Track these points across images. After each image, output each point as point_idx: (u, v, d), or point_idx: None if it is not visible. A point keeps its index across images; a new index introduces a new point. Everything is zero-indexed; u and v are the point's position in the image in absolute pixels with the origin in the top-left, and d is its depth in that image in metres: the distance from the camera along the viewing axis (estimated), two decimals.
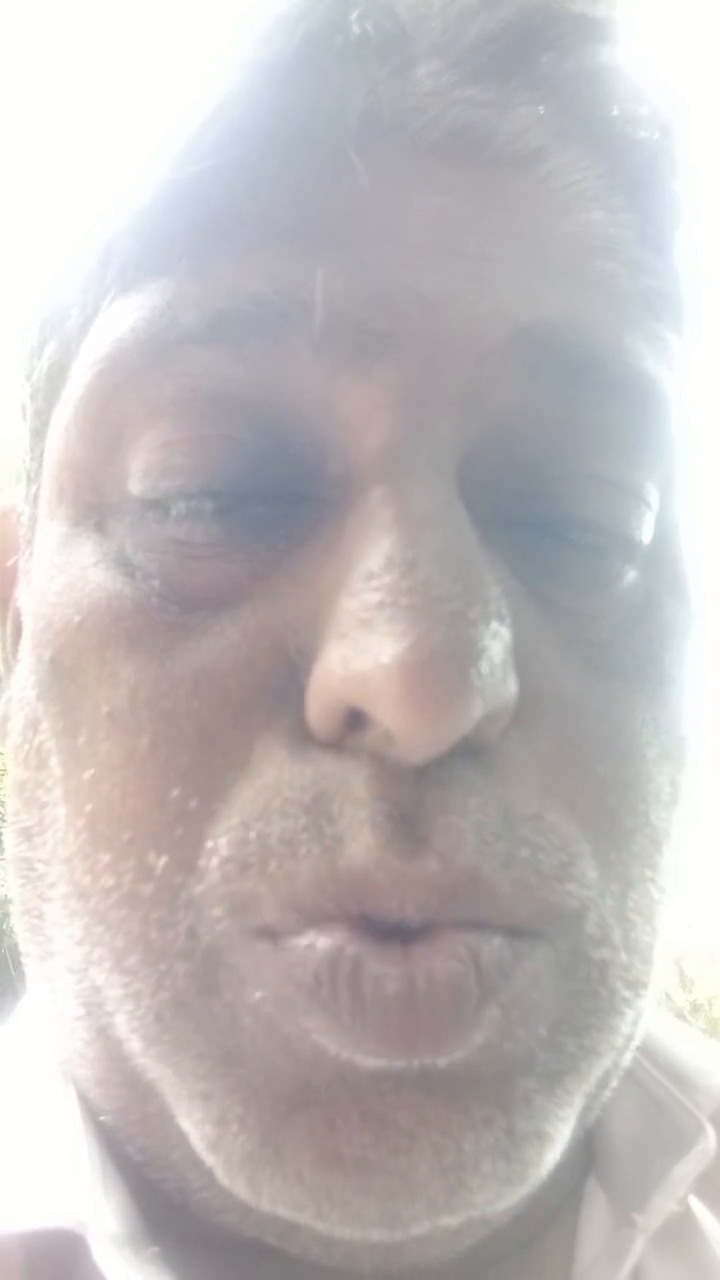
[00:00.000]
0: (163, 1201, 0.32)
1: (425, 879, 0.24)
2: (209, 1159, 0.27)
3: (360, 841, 0.24)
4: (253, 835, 0.25)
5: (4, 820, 0.34)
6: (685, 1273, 0.35)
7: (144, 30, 0.35)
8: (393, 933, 0.25)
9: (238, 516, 0.28)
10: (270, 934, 0.26)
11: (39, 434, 0.34)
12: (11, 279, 0.37)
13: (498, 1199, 0.26)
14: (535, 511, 0.29)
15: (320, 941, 0.25)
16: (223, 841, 0.26)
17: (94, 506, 0.31)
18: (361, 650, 0.24)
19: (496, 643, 0.24)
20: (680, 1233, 0.36)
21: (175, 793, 0.27)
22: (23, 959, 0.34)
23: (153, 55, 0.33)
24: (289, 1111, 0.25)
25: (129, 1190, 0.31)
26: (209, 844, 0.26)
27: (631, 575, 0.31)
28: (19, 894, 0.33)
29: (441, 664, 0.23)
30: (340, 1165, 0.25)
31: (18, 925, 0.34)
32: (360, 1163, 0.25)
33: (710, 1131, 0.35)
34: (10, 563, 0.38)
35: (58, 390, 0.32)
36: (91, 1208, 0.30)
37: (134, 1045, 0.28)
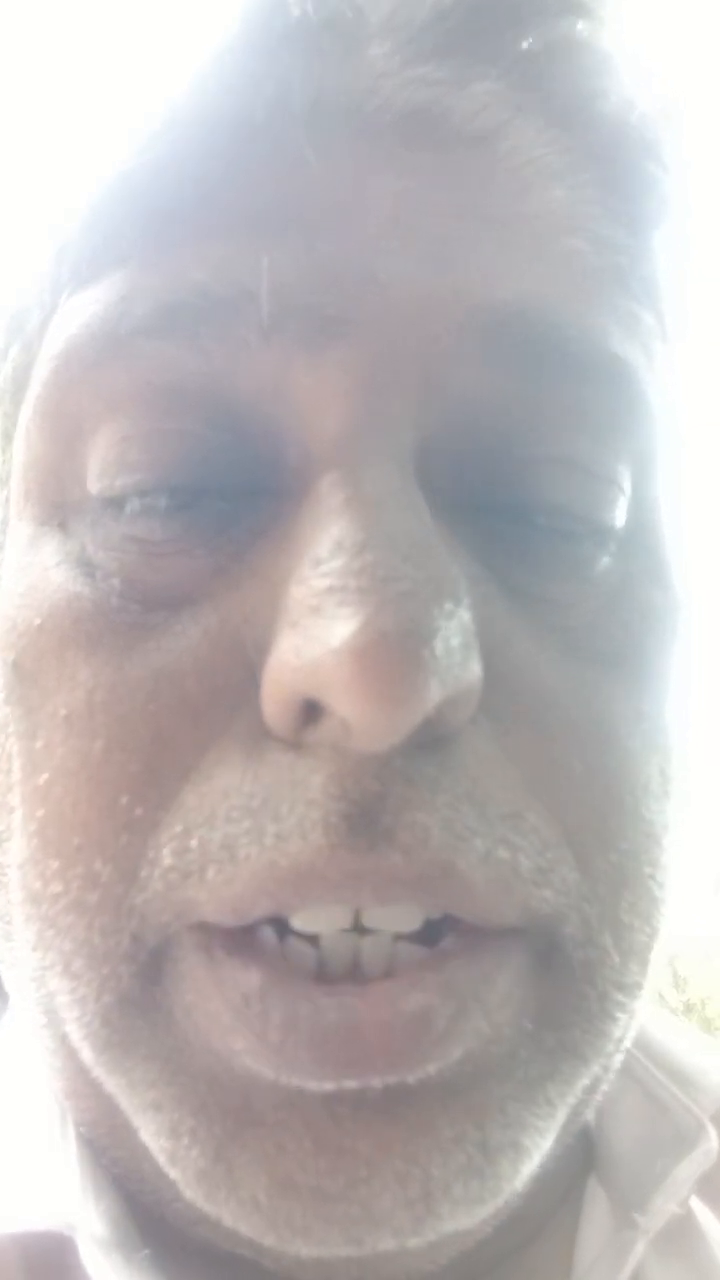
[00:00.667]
0: (144, 1210, 0.31)
1: (386, 870, 0.24)
2: (170, 1172, 0.26)
3: (309, 840, 0.23)
4: (194, 843, 0.25)
5: None
6: (686, 1275, 0.35)
7: (87, 25, 0.34)
8: (349, 975, 0.25)
9: (197, 512, 0.28)
10: (207, 945, 0.25)
11: (8, 436, 0.33)
12: None
13: (470, 1217, 0.25)
14: (503, 497, 0.29)
15: (255, 969, 0.25)
16: (165, 851, 0.25)
17: (57, 506, 0.30)
18: (311, 638, 0.23)
19: (452, 622, 0.23)
20: (681, 1234, 0.35)
21: (124, 800, 0.26)
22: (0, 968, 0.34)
23: (97, 49, 0.33)
24: (237, 1128, 0.25)
25: (117, 1195, 0.31)
26: (150, 854, 0.26)
27: (605, 560, 0.30)
28: None
29: (392, 644, 0.22)
30: (296, 1193, 0.24)
31: None
32: (316, 1191, 0.24)
33: (712, 1132, 0.35)
34: None
35: (23, 391, 0.32)
36: (79, 1210, 0.30)
37: (86, 1055, 0.28)
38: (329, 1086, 0.24)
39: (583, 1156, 0.36)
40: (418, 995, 0.24)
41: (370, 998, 0.24)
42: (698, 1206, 0.37)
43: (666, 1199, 0.34)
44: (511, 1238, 0.33)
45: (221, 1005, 0.25)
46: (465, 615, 0.24)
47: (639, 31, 0.32)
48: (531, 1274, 0.34)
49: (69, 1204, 0.30)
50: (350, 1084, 0.24)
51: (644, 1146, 0.36)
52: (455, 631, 0.23)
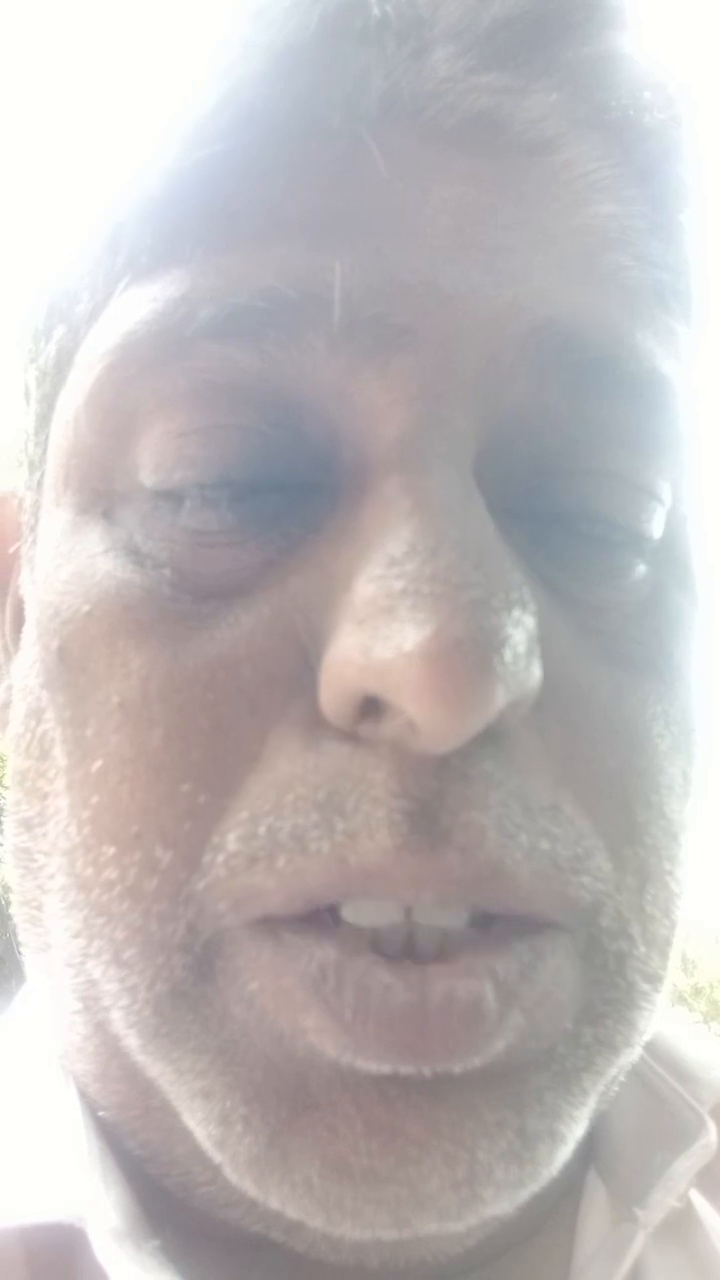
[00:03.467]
0: (164, 1196, 0.32)
1: (444, 872, 0.24)
2: (216, 1156, 0.27)
3: (375, 840, 0.24)
4: (262, 830, 0.25)
5: (3, 809, 0.34)
6: (686, 1267, 0.35)
7: (158, 10, 0.34)
8: (404, 954, 0.25)
9: (252, 505, 0.28)
10: (273, 928, 0.26)
11: (44, 419, 0.33)
12: (15, 262, 0.36)
13: (510, 1203, 0.26)
14: (547, 504, 0.29)
15: (329, 944, 0.25)
16: (231, 837, 0.26)
17: (102, 494, 0.30)
18: (382, 638, 0.24)
19: (520, 630, 0.24)
20: (681, 1227, 0.36)
21: (186, 787, 0.26)
22: (21, 950, 0.34)
23: (165, 36, 0.32)
24: (292, 1115, 0.25)
25: (129, 1184, 0.31)
26: (215, 839, 0.26)
27: (641, 569, 0.31)
28: (18, 885, 0.33)
29: (465, 652, 0.23)
30: (349, 1175, 0.25)
31: (17, 916, 0.33)
32: (368, 1173, 0.25)
33: (712, 1126, 0.35)
34: (11, 549, 0.37)
35: (64, 375, 0.32)
36: (91, 1201, 0.30)
37: (131, 1041, 0.28)
38: (387, 1069, 0.25)
39: (583, 1150, 0.36)
40: (470, 983, 0.25)
41: (430, 981, 0.25)
42: (697, 1200, 0.37)
43: (666, 1193, 0.34)
44: (514, 1229, 0.33)
45: (294, 981, 0.25)
46: (531, 621, 0.24)
47: (663, 39, 0.32)
48: (532, 1266, 0.34)
49: (80, 1195, 0.30)
50: (407, 1069, 0.25)
51: (644, 1140, 0.36)
52: (523, 639, 0.24)
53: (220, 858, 0.26)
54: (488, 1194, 0.25)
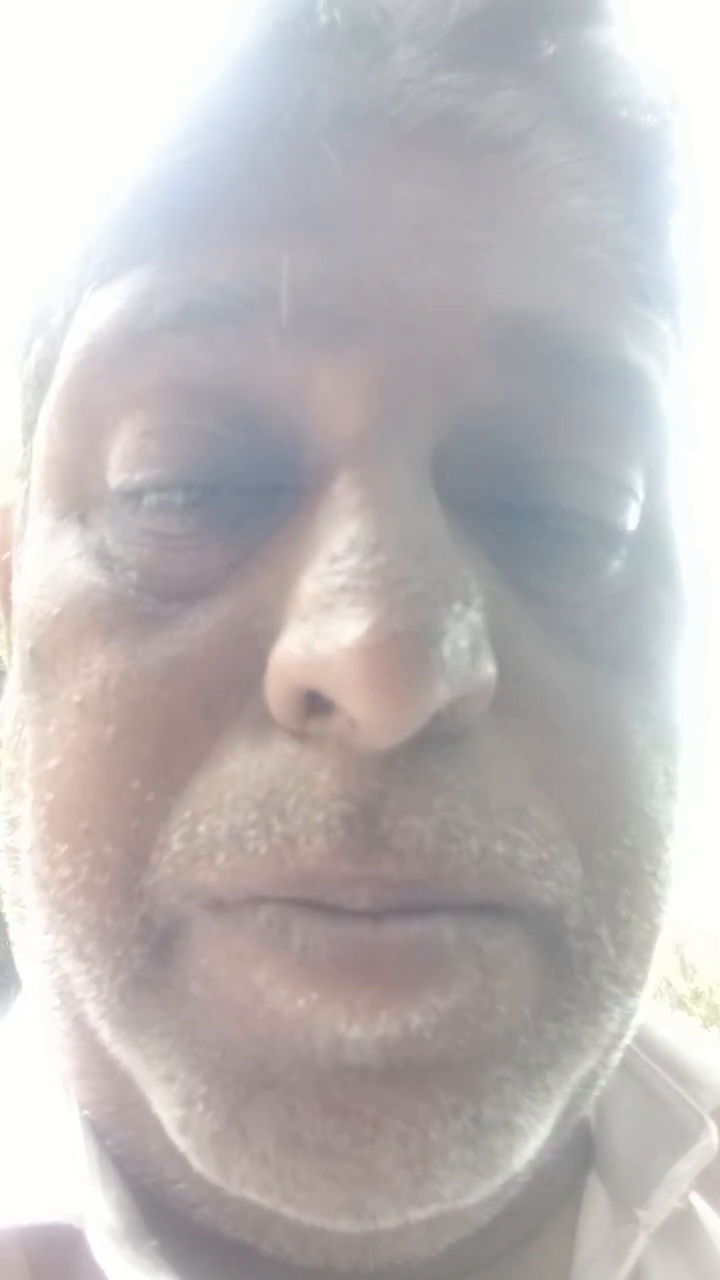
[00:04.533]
0: (150, 1199, 0.32)
1: (380, 876, 0.24)
2: (181, 1143, 0.27)
3: (312, 845, 0.24)
4: (202, 829, 0.26)
5: None
6: (687, 1269, 0.35)
7: (115, 26, 0.34)
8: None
9: (213, 507, 0.28)
10: (220, 905, 0.26)
11: (29, 429, 0.34)
12: (9, 279, 0.37)
13: (466, 1190, 0.26)
14: (516, 499, 0.29)
15: (274, 902, 0.25)
16: (175, 836, 0.26)
17: (78, 499, 0.31)
18: (322, 634, 0.24)
19: (461, 624, 0.24)
20: (682, 1229, 0.36)
21: (135, 784, 0.27)
22: (13, 950, 0.34)
23: (125, 50, 0.33)
24: (250, 1091, 0.26)
25: (126, 1186, 0.31)
26: (161, 838, 0.26)
27: (615, 563, 0.30)
28: (9, 884, 0.33)
29: (402, 645, 0.23)
30: (302, 1148, 0.25)
31: (9, 916, 0.34)
32: (322, 1148, 0.25)
33: (713, 1127, 0.35)
34: (5, 557, 0.38)
35: (45, 385, 0.32)
36: (89, 1202, 0.30)
37: (104, 1034, 0.28)
38: (344, 1029, 0.24)
39: (583, 1153, 0.37)
40: (427, 926, 0.25)
41: (385, 923, 0.25)
42: (698, 1202, 0.37)
43: (667, 1194, 0.34)
44: (512, 1232, 0.33)
45: (243, 940, 0.25)
46: (475, 616, 0.24)
47: (652, 35, 0.32)
48: (532, 1269, 0.34)
49: (78, 1195, 0.30)
50: (366, 1003, 0.24)
51: (644, 1143, 0.36)
52: (464, 633, 0.24)
53: (166, 856, 0.26)
54: (441, 1175, 0.25)
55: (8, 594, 0.38)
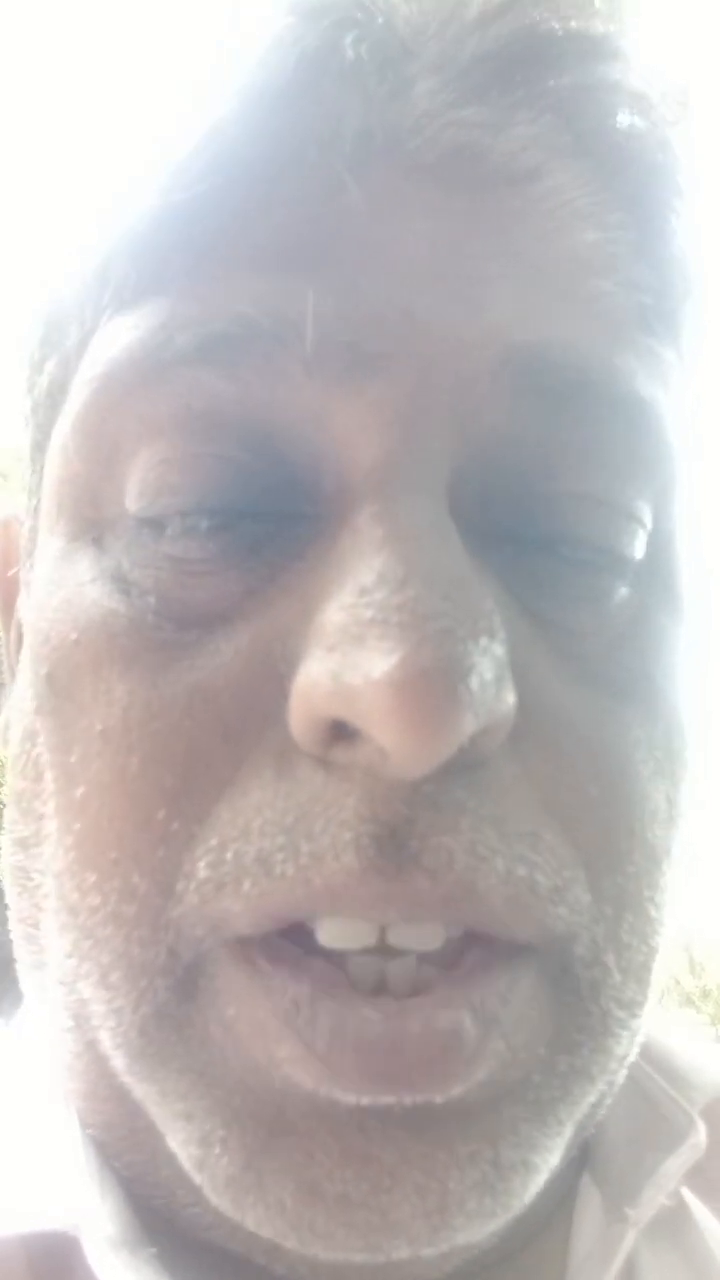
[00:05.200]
0: (152, 1213, 0.32)
1: (412, 894, 0.25)
2: (196, 1177, 0.27)
3: (341, 861, 0.24)
4: (229, 855, 0.26)
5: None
6: (679, 1264, 0.36)
7: (142, 52, 0.35)
8: (381, 989, 0.25)
9: (233, 534, 0.28)
10: (248, 954, 0.26)
11: (40, 448, 0.34)
12: (15, 293, 0.37)
13: (481, 1230, 0.27)
14: (528, 528, 0.29)
15: (304, 978, 0.25)
16: (201, 864, 0.26)
17: (92, 522, 0.31)
18: (351, 665, 0.24)
19: (487, 658, 0.24)
20: (674, 1226, 0.36)
21: (160, 814, 0.27)
22: (17, 966, 0.34)
23: (150, 77, 0.33)
24: (269, 1137, 0.26)
25: (124, 1195, 0.32)
26: (187, 867, 0.26)
27: (624, 591, 0.31)
28: (15, 902, 0.33)
29: (431, 680, 0.23)
30: (322, 1199, 0.25)
31: (14, 933, 0.34)
32: (341, 1198, 0.25)
33: (701, 1126, 0.36)
34: (12, 573, 0.38)
35: (58, 406, 0.33)
36: (88, 1210, 0.30)
37: (118, 1062, 0.29)
38: (365, 1100, 0.25)
39: (578, 1157, 0.37)
40: (449, 1013, 0.25)
41: (408, 1013, 0.25)
42: (690, 1199, 0.37)
43: (656, 1191, 0.34)
44: (511, 1239, 0.34)
45: (269, 1014, 0.26)
46: (499, 649, 0.25)
47: (659, 67, 0.32)
48: (528, 1271, 0.35)
49: (77, 1203, 0.30)
50: (387, 1099, 0.25)
51: (635, 1142, 0.36)
52: (490, 667, 0.24)
53: (192, 885, 0.26)
54: (458, 1223, 0.26)
55: (10, 609, 0.39)
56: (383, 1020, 0.25)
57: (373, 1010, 0.25)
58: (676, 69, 0.33)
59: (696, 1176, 0.37)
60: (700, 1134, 0.35)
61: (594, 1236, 0.35)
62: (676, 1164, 0.35)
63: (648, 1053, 0.38)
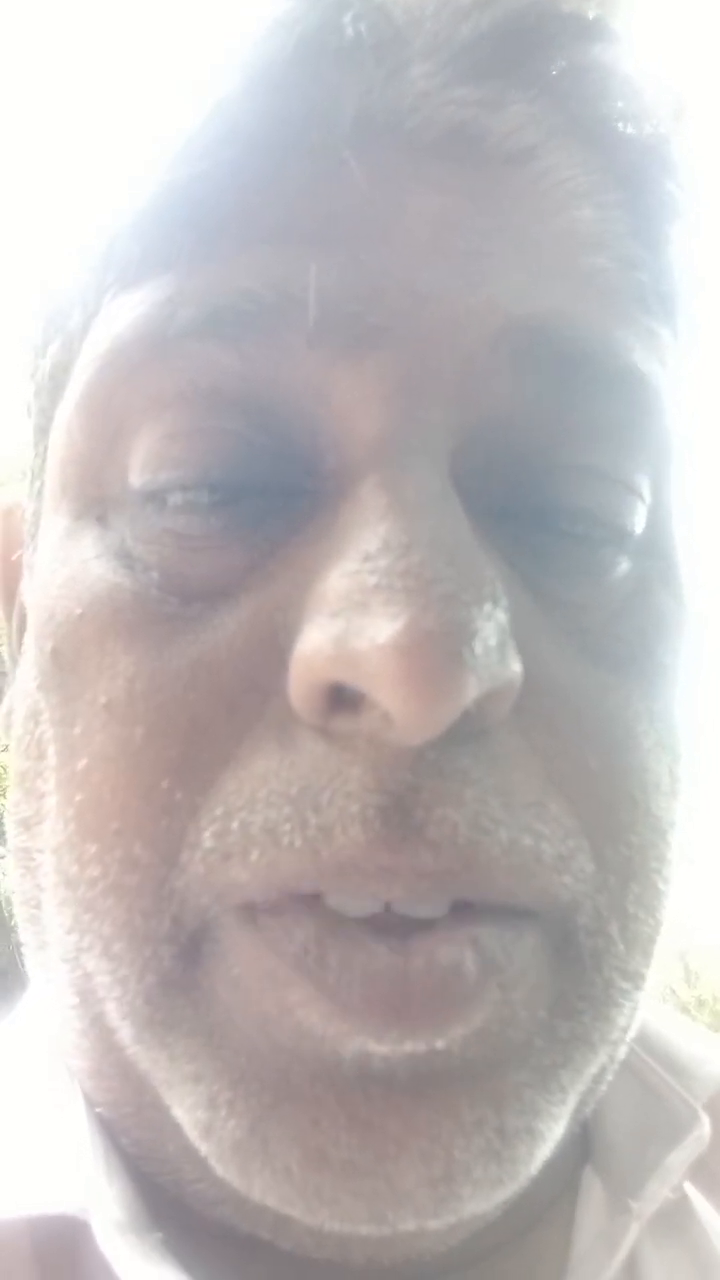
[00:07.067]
0: (160, 1193, 0.32)
1: (417, 866, 0.25)
2: (203, 1147, 0.27)
3: (349, 834, 0.25)
4: (235, 825, 0.26)
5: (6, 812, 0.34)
6: (682, 1258, 0.36)
7: (142, 33, 0.35)
8: (385, 929, 0.26)
9: (235, 509, 0.29)
10: (251, 913, 0.26)
11: (43, 430, 0.34)
12: (14, 278, 0.37)
13: (488, 1200, 0.27)
14: (528, 501, 0.30)
15: (307, 921, 0.26)
16: (206, 834, 0.26)
17: (96, 500, 0.31)
18: (355, 630, 0.24)
19: (490, 624, 0.24)
20: (677, 1219, 0.36)
21: (164, 784, 0.27)
22: (23, 949, 0.34)
23: (151, 58, 0.33)
24: (275, 1101, 0.26)
25: (131, 1178, 0.32)
26: (192, 837, 0.27)
27: (624, 565, 0.31)
28: (19, 885, 0.33)
29: (436, 643, 0.23)
30: (327, 1165, 0.25)
31: (18, 915, 0.34)
32: (347, 1165, 0.25)
33: (705, 1119, 0.36)
34: (15, 557, 0.38)
35: (61, 388, 0.33)
36: (95, 1194, 0.30)
37: (125, 1034, 0.29)
38: (371, 1045, 0.25)
39: (581, 1147, 0.37)
40: (450, 949, 0.26)
41: (412, 948, 0.25)
42: (693, 1192, 0.37)
43: (660, 1184, 0.34)
44: (513, 1223, 0.34)
45: (277, 961, 0.26)
46: (503, 616, 0.25)
47: (653, 50, 0.33)
48: (530, 1259, 0.35)
49: (83, 1187, 0.30)
50: (387, 1046, 0.25)
51: (639, 1135, 0.36)
52: (493, 632, 0.24)
53: (197, 855, 0.26)
54: (465, 1191, 0.26)
55: (12, 595, 0.39)
56: (389, 953, 0.25)
57: (379, 944, 0.25)
58: (672, 64, 0.34)
59: (700, 1170, 0.37)
60: (704, 1127, 0.35)
61: (596, 1229, 0.35)
62: (680, 1157, 0.35)
63: (650, 1044, 0.38)
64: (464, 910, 0.26)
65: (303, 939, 0.26)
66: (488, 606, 0.25)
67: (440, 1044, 0.25)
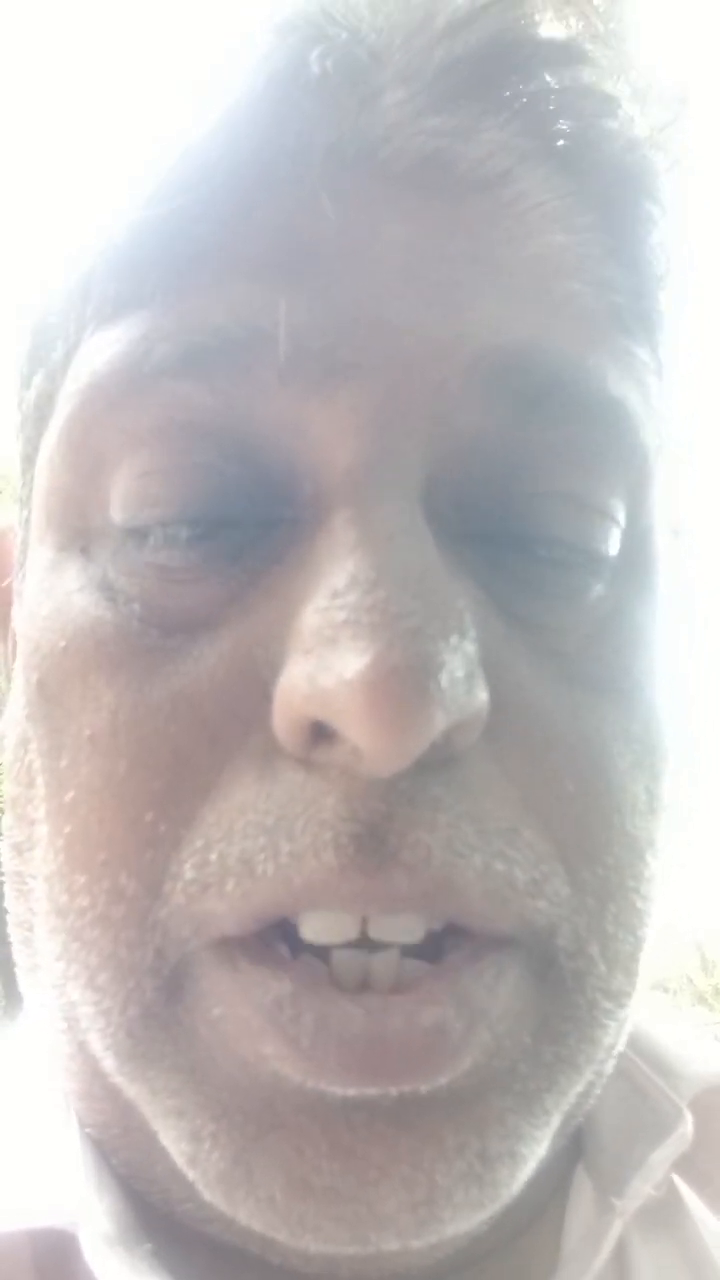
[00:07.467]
0: (150, 1210, 0.33)
1: (391, 889, 0.25)
2: (189, 1174, 0.28)
3: (321, 859, 0.25)
4: (214, 857, 0.26)
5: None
6: (671, 1252, 0.36)
7: (118, 69, 0.35)
8: (365, 986, 0.26)
9: (214, 542, 0.29)
10: (230, 955, 0.27)
11: (29, 460, 0.35)
12: (9, 307, 0.37)
13: (468, 1221, 0.27)
14: (504, 527, 0.30)
15: (285, 976, 0.26)
16: (187, 865, 0.27)
17: (79, 532, 0.31)
18: (325, 666, 0.25)
19: (457, 656, 0.25)
20: (665, 1215, 0.37)
21: (148, 817, 0.27)
22: (16, 970, 0.35)
23: (125, 95, 0.34)
24: (259, 1133, 0.26)
25: (121, 1193, 0.32)
26: (174, 868, 0.27)
27: (599, 588, 0.31)
28: (13, 907, 0.34)
29: (401, 678, 0.24)
30: (310, 1193, 0.26)
31: (12, 937, 0.34)
32: (329, 1191, 0.26)
33: (689, 1117, 0.36)
34: (7, 583, 0.39)
35: (45, 418, 0.33)
36: (85, 1208, 0.31)
37: (109, 1063, 0.29)
38: (352, 1092, 0.26)
39: (572, 1147, 0.37)
40: (433, 1009, 0.26)
41: (391, 1010, 0.26)
42: (684, 1190, 0.38)
43: (643, 1181, 0.35)
44: (504, 1230, 0.34)
45: (252, 1012, 0.26)
46: (470, 647, 0.25)
47: (627, 70, 0.33)
48: (521, 1262, 0.35)
49: (74, 1201, 0.31)
50: (371, 1091, 0.26)
51: (626, 1134, 0.37)
52: (460, 664, 0.25)
53: (179, 885, 0.27)
54: (445, 1214, 0.26)
55: (7, 620, 0.39)
56: (365, 1016, 0.25)
57: (355, 1006, 0.26)
58: (671, 70, 0.33)
59: (687, 1168, 0.37)
60: (687, 1125, 0.36)
61: (584, 1227, 0.35)
62: (663, 1155, 0.35)
63: (637, 1044, 0.38)
64: (437, 955, 0.27)
65: (277, 993, 0.26)
66: (454, 639, 0.25)
67: (424, 1089, 0.26)
